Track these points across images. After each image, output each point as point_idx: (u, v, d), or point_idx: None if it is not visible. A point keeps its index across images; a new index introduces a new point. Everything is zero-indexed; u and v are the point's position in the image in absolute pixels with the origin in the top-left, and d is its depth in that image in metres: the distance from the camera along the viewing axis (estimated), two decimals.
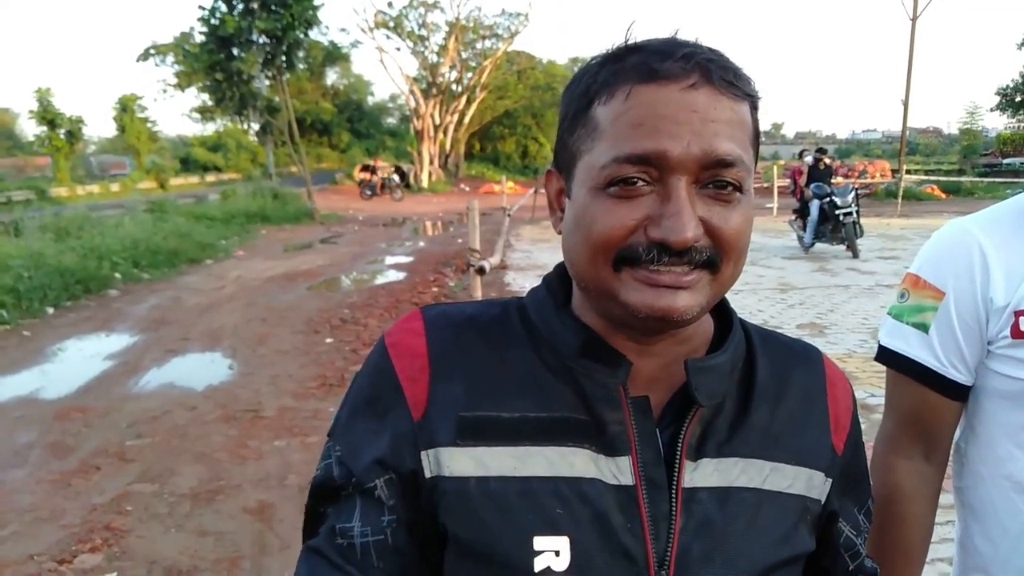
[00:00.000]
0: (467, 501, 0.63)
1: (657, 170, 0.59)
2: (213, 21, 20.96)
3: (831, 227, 10.96)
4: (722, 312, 0.74)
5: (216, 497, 3.64)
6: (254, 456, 4.14)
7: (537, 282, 0.76)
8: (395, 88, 72.89)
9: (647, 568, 0.63)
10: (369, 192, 27.83)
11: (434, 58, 37.10)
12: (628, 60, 0.61)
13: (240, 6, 20.52)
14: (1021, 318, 0.94)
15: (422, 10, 36.11)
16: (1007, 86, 31.72)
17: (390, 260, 12.41)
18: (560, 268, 0.74)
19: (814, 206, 11.07)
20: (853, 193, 10.87)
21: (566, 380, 0.66)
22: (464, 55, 37.93)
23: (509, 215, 12.50)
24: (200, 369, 6.01)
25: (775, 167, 21.28)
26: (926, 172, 29.44)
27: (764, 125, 0.72)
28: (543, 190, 0.73)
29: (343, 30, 71.62)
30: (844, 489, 0.75)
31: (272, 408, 4.93)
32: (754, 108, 0.64)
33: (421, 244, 14.54)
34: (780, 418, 0.70)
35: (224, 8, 20.75)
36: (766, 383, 0.71)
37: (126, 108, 37.82)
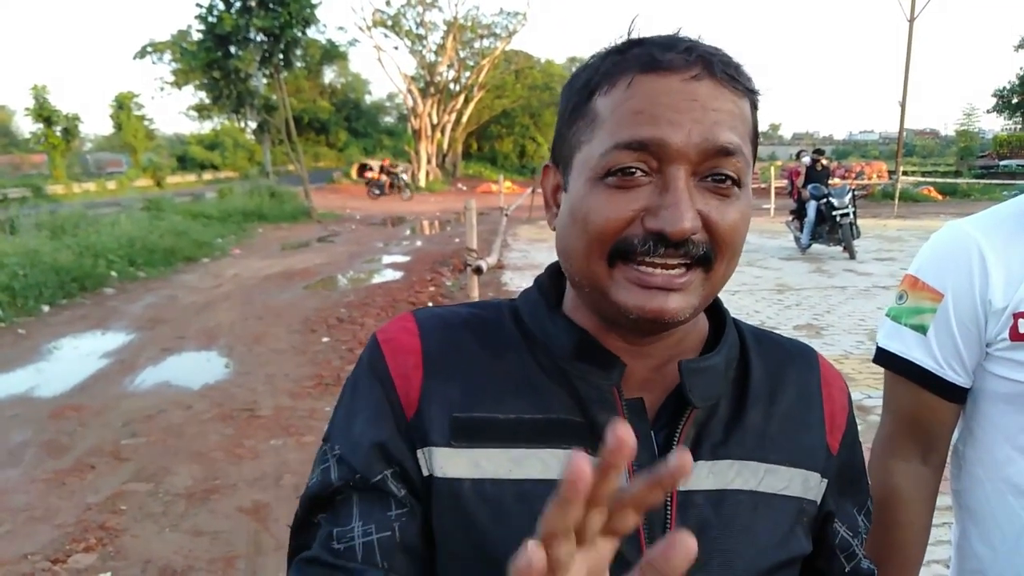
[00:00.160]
0: (461, 503, 0.63)
1: (656, 159, 0.59)
2: (211, 19, 20.90)
3: (828, 228, 10.98)
4: (716, 312, 0.73)
5: (211, 496, 3.63)
6: (250, 455, 4.13)
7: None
8: (393, 87, 72.96)
9: None
10: (377, 191, 27.76)
11: (432, 57, 37.11)
12: (630, 52, 0.61)
13: (238, 4, 20.44)
14: (1020, 320, 0.94)
15: (420, 9, 36.15)
16: (1004, 88, 31.89)
17: (387, 259, 12.39)
18: (551, 269, 0.73)
19: (811, 207, 11.08)
20: (850, 194, 10.90)
21: (560, 382, 0.66)
22: (462, 54, 37.95)
23: (506, 215, 12.47)
24: (196, 368, 5.99)
25: (772, 168, 21.28)
26: (923, 173, 29.48)
27: (762, 126, 0.72)
28: (540, 189, 0.72)
29: (341, 28, 71.27)
30: (841, 489, 0.74)
31: (268, 407, 4.92)
32: (754, 107, 0.63)
33: (418, 243, 14.52)
34: (775, 419, 0.70)
35: (222, 6, 20.69)
36: (761, 383, 0.70)
37: (123, 106, 37.86)
